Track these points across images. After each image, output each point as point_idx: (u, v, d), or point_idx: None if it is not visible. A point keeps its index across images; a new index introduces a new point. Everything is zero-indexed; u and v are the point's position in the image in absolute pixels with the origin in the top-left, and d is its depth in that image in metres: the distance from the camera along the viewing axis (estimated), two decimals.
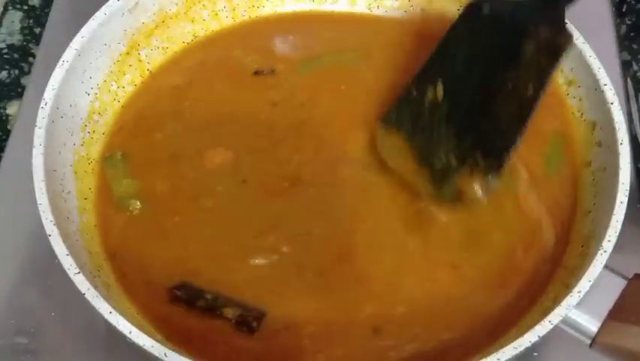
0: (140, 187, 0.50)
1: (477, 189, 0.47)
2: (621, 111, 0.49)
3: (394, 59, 0.56)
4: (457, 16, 0.52)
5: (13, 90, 0.66)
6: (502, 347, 0.41)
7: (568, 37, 0.48)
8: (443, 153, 0.49)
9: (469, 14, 0.51)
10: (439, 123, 0.49)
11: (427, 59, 0.51)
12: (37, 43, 0.68)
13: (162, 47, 0.57)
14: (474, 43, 0.50)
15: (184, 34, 0.58)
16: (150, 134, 0.53)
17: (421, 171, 0.49)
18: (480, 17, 0.50)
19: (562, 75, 0.54)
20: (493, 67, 0.49)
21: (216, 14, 0.59)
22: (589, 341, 0.44)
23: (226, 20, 0.59)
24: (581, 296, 0.43)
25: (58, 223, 0.44)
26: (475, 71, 0.49)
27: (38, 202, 0.44)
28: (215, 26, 0.59)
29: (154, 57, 0.57)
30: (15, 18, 0.70)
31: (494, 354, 0.41)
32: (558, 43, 0.48)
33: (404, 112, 0.51)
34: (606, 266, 0.44)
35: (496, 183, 0.47)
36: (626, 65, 0.67)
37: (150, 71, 0.56)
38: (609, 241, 0.44)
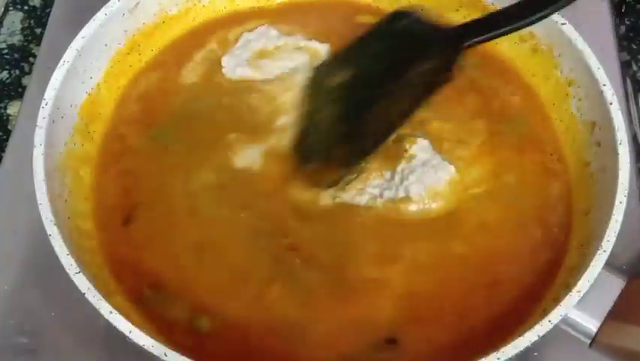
0: (190, 306, 0.46)
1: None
2: (620, 111, 0.49)
3: None
4: (381, 19, 0.54)
5: (14, 90, 0.66)
6: (502, 346, 0.41)
7: (448, 78, 0.50)
8: (321, 133, 0.51)
9: (390, 19, 0.53)
10: (331, 104, 0.51)
11: (348, 45, 0.53)
12: (38, 43, 0.68)
13: (162, 47, 0.57)
14: (386, 47, 0.52)
15: (184, 34, 0.58)
16: (148, 135, 0.53)
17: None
18: (396, 25, 0.52)
19: (561, 75, 0.54)
20: (389, 73, 0.51)
21: (217, 14, 0.59)
22: (589, 341, 0.44)
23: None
24: (581, 296, 0.43)
25: (59, 223, 0.44)
26: (377, 71, 0.51)
27: (39, 202, 0.44)
28: (215, 25, 0.59)
29: (154, 57, 0.57)
30: (16, 18, 0.70)
31: (494, 354, 0.41)
32: (436, 80, 0.50)
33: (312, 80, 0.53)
34: (606, 266, 0.44)
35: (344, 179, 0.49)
36: (625, 65, 0.67)
37: (151, 71, 0.56)
38: (609, 241, 0.44)
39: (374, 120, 0.50)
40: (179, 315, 0.46)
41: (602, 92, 0.50)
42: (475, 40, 0.50)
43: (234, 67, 0.55)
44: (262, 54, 0.56)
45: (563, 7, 0.48)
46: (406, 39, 0.52)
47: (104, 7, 0.53)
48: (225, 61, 0.56)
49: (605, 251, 0.44)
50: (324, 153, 0.50)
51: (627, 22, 0.71)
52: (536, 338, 0.42)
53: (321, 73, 0.53)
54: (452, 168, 0.51)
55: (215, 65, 0.56)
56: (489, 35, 0.50)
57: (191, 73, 0.56)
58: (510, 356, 0.41)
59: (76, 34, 0.52)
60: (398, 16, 0.53)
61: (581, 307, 0.43)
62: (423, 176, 0.50)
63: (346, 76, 0.52)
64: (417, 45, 0.51)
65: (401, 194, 0.50)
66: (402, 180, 0.50)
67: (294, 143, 0.51)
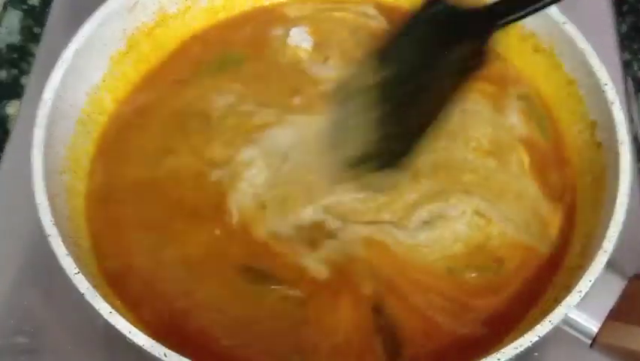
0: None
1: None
2: (622, 111, 0.49)
3: None
4: (412, 11, 0.51)
5: (13, 90, 0.66)
6: (502, 347, 0.41)
7: (481, 61, 0.48)
8: (360, 135, 0.49)
9: (421, 9, 0.51)
10: (368, 107, 0.49)
11: (385, 41, 0.51)
12: (37, 42, 0.68)
13: (162, 47, 0.57)
14: (419, 38, 0.50)
15: (184, 33, 0.58)
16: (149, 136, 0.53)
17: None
18: (427, 13, 0.50)
19: (563, 75, 0.54)
20: (426, 65, 0.49)
21: (216, 13, 0.59)
22: (589, 341, 0.44)
23: (225, 17, 0.59)
24: (582, 296, 0.43)
25: (58, 223, 0.44)
26: (414, 65, 0.49)
27: (38, 202, 0.44)
28: (215, 24, 0.58)
29: (154, 57, 0.57)
30: (15, 18, 0.70)
31: (494, 354, 0.41)
32: (470, 64, 0.48)
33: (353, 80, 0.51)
34: (606, 266, 0.44)
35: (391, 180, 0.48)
36: (626, 65, 0.67)
37: (150, 71, 0.56)
38: (610, 241, 0.44)
39: (413, 116, 0.48)
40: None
41: (603, 91, 0.50)
42: (508, 18, 0.47)
43: (301, 41, 0.56)
44: None
45: None
46: (438, 26, 0.49)
47: (102, 7, 0.53)
48: (293, 32, 0.57)
49: (605, 251, 0.44)
50: (364, 159, 0.48)
51: (628, 21, 0.71)
52: (536, 338, 0.42)
53: (354, 76, 0.51)
54: None
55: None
56: (522, 12, 0.47)
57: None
58: (510, 356, 0.41)
59: (75, 33, 0.51)
60: (429, 4, 0.51)
61: (581, 307, 0.43)
62: None
63: (385, 74, 0.49)
64: (449, 31, 0.49)
65: None
66: None
67: (330, 151, 0.50)
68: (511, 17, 0.48)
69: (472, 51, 0.48)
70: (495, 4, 0.49)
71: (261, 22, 0.59)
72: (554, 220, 0.50)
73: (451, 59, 0.48)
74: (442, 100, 0.48)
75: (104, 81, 0.54)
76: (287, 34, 0.57)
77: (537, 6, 0.47)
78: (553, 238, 0.50)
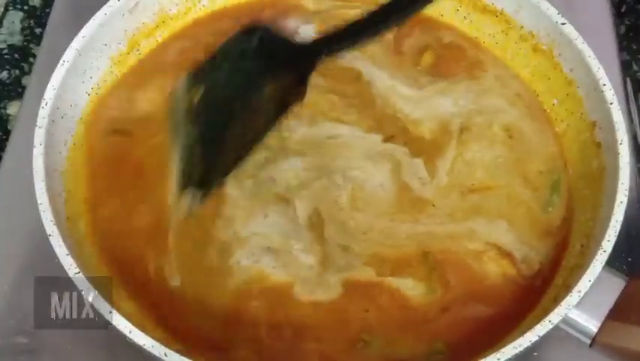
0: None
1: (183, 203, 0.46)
2: (620, 111, 0.49)
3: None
4: (232, 34, 0.49)
5: (14, 90, 0.66)
6: (502, 346, 0.41)
7: (300, 96, 0.47)
8: (181, 153, 0.47)
9: (241, 34, 0.49)
10: (189, 123, 0.48)
11: (200, 63, 0.49)
12: (38, 43, 0.68)
13: (162, 47, 0.57)
14: (238, 62, 0.49)
15: (184, 34, 0.58)
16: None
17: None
18: (248, 40, 0.49)
19: (561, 75, 0.54)
20: (241, 92, 0.48)
21: (216, 12, 0.59)
22: (589, 341, 0.44)
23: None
24: (581, 296, 0.43)
25: (59, 223, 0.44)
26: (230, 89, 0.48)
27: (39, 202, 0.45)
28: (214, 24, 0.59)
29: (154, 57, 0.57)
30: (16, 18, 0.70)
31: (494, 354, 0.41)
32: (289, 98, 0.47)
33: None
34: (606, 266, 0.44)
35: (198, 204, 0.46)
36: (625, 65, 0.67)
37: (150, 71, 0.56)
38: (609, 241, 0.44)
39: (229, 140, 0.47)
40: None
41: (602, 92, 0.50)
42: (327, 53, 0.47)
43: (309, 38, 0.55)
44: None
45: (421, 8, 0.46)
46: (258, 55, 0.48)
47: (104, 7, 0.53)
48: (303, 28, 0.56)
49: (605, 251, 0.44)
50: (186, 177, 0.47)
51: (627, 22, 0.71)
52: (536, 338, 0.42)
53: (177, 94, 0.48)
54: None
55: None
56: (341, 47, 0.47)
57: None
58: (510, 356, 0.41)
59: (76, 34, 0.52)
60: (250, 31, 0.49)
61: (581, 307, 0.43)
62: None
63: (198, 94, 0.48)
64: (270, 62, 0.48)
65: None
66: None
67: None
68: (331, 52, 0.47)
69: (292, 84, 0.47)
70: (317, 40, 0.48)
71: (279, 11, 0.58)
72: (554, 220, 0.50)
73: (271, 90, 0.47)
74: (260, 127, 0.47)
75: (104, 81, 0.54)
76: (297, 30, 0.56)
77: (357, 41, 0.47)
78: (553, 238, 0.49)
